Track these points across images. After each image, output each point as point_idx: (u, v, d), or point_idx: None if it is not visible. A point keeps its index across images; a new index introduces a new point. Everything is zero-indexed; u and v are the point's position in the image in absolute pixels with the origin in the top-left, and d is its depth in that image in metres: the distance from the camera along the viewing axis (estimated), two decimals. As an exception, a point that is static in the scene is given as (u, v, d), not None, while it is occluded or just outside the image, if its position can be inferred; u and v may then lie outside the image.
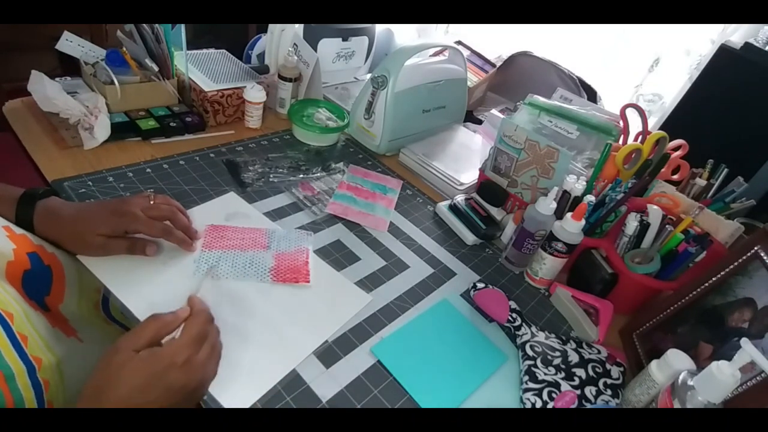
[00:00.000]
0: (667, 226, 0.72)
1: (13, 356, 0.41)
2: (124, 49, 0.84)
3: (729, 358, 0.48)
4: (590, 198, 0.73)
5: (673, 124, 1.05)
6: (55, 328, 0.50)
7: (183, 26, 0.85)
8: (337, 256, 0.71)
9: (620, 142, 0.87)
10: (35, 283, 0.50)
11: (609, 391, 0.60)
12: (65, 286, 0.55)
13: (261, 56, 1.16)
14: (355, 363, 0.57)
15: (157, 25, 0.82)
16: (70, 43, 0.82)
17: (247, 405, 0.49)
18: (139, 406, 0.40)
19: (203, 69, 0.94)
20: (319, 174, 0.87)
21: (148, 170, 0.76)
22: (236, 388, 0.50)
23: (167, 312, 0.46)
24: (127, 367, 0.40)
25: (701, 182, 0.85)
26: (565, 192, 0.75)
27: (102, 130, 0.77)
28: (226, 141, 0.89)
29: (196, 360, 0.44)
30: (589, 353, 0.65)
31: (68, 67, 0.89)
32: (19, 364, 0.42)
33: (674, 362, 0.55)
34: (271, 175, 0.83)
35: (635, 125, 0.88)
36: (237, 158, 0.85)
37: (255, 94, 0.90)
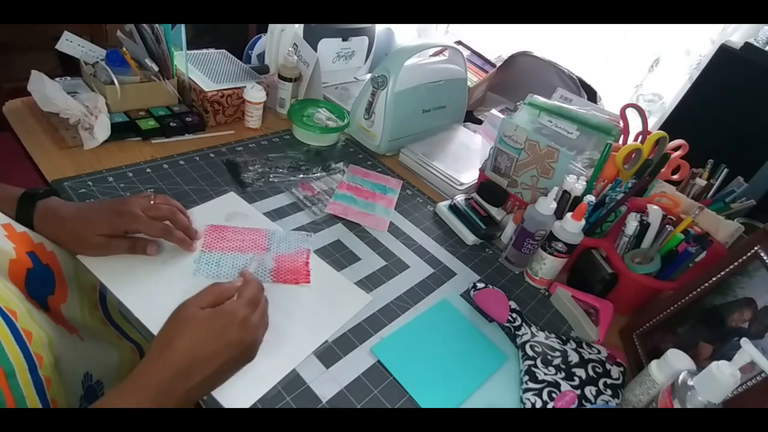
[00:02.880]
0: (667, 226, 0.72)
1: (15, 352, 0.41)
2: (124, 49, 0.84)
3: (729, 358, 0.48)
4: (590, 198, 0.73)
5: (673, 124, 1.05)
6: (58, 325, 0.50)
7: (183, 26, 0.85)
8: (337, 256, 0.71)
9: (620, 142, 0.87)
10: (38, 283, 0.50)
11: (609, 391, 0.60)
12: (67, 286, 0.55)
13: (261, 56, 1.16)
14: (355, 363, 0.57)
15: (157, 25, 0.82)
16: (70, 43, 0.82)
17: (247, 405, 0.49)
18: (203, 357, 0.44)
19: (203, 69, 0.94)
20: (319, 174, 0.87)
21: (148, 170, 0.76)
22: (236, 388, 0.50)
23: (226, 281, 0.51)
24: (192, 320, 0.45)
25: (701, 182, 0.85)
26: (565, 192, 0.75)
27: (102, 130, 0.77)
28: (226, 141, 0.89)
29: (251, 320, 0.48)
30: (589, 353, 0.65)
31: (68, 67, 0.89)
32: (20, 360, 0.42)
33: (674, 362, 0.55)
34: (271, 175, 0.83)
35: (635, 125, 0.88)
36: (237, 158, 0.85)
37: (255, 94, 0.90)
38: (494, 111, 1.11)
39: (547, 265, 0.73)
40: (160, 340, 0.45)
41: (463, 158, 0.99)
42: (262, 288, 0.52)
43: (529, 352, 0.63)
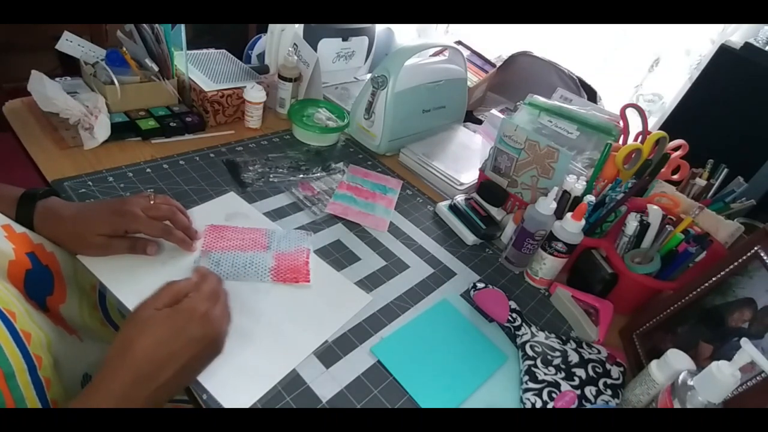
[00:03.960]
0: (667, 226, 0.72)
1: (15, 353, 0.41)
2: (124, 49, 0.84)
3: (729, 358, 0.48)
4: (590, 198, 0.73)
5: (673, 124, 1.05)
6: (58, 326, 0.50)
7: (183, 26, 0.85)
8: (337, 256, 0.71)
9: (620, 142, 0.87)
10: (37, 283, 0.50)
11: (609, 391, 0.60)
12: (66, 286, 0.55)
13: (261, 56, 1.16)
14: (355, 363, 0.57)
15: (157, 25, 0.82)
16: (70, 43, 0.82)
17: (247, 405, 0.49)
18: (164, 357, 0.43)
19: (203, 69, 0.94)
20: (319, 174, 0.87)
21: (148, 170, 0.76)
22: (236, 388, 0.50)
23: (181, 279, 0.49)
24: (150, 322, 0.44)
25: (701, 182, 0.85)
26: (565, 192, 0.75)
27: (102, 130, 0.77)
28: (226, 141, 0.89)
29: (212, 313, 0.47)
30: (589, 353, 0.65)
31: (68, 67, 0.89)
32: (20, 361, 0.42)
33: (674, 362, 0.55)
34: (271, 175, 0.83)
35: (635, 125, 0.88)
36: (237, 158, 0.85)
37: (255, 94, 0.90)
38: (494, 111, 1.11)
39: (547, 265, 0.73)
40: (118, 344, 0.43)
41: (463, 158, 0.99)
42: (221, 281, 0.51)
43: (529, 352, 0.63)
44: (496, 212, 0.85)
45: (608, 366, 0.64)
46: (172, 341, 0.43)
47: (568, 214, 0.69)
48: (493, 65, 1.26)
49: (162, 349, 0.42)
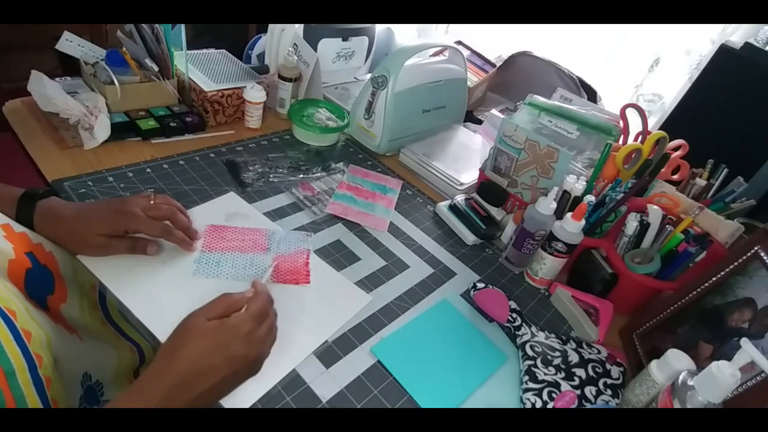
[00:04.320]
0: (667, 226, 0.72)
1: (15, 352, 0.41)
2: (124, 49, 0.84)
3: (729, 358, 0.48)
4: (590, 198, 0.73)
5: (673, 124, 1.05)
6: (58, 325, 0.50)
7: (183, 26, 0.85)
8: (337, 256, 0.71)
9: (620, 142, 0.87)
10: (38, 282, 0.50)
11: (609, 391, 0.60)
12: (66, 286, 0.55)
13: (261, 56, 1.16)
14: (355, 363, 0.57)
15: (157, 25, 0.82)
16: (70, 43, 0.82)
17: (247, 405, 0.49)
18: (205, 368, 0.44)
19: (203, 69, 0.94)
20: (319, 174, 0.87)
21: (148, 170, 0.76)
22: (236, 388, 0.50)
23: (236, 292, 0.50)
24: (198, 331, 0.45)
25: (701, 182, 0.85)
26: (565, 192, 0.75)
27: (102, 130, 0.77)
28: (226, 141, 0.89)
29: (256, 334, 0.47)
30: (589, 353, 0.65)
31: (68, 67, 0.89)
32: (20, 360, 0.42)
33: (674, 362, 0.55)
34: (271, 175, 0.83)
35: (635, 125, 0.88)
36: (237, 158, 0.85)
37: (255, 94, 0.90)
38: (494, 111, 1.11)
39: (547, 265, 0.73)
40: (166, 348, 0.45)
41: (463, 158, 0.99)
42: (272, 301, 0.52)
43: (529, 352, 0.63)
44: (496, 212, 0.85)
45: (608, 366, 0.64)
46: (215, 355, 0.44)
47: (568, 214, 0.69)
48: (493, 65, 1.27)
49: (205, 359, 0.44)
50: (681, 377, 0.51)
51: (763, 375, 0.49)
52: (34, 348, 0.44)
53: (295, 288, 0.63)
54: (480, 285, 0.70)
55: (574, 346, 0.65)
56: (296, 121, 0.93)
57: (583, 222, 0.69)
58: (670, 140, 0.83)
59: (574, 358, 0.63)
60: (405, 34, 1.34)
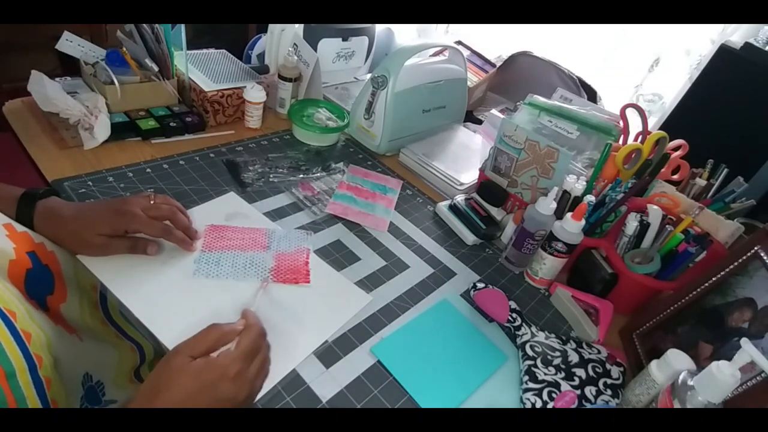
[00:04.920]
0: (667, 226, 0.72)
1: (15, 353, 0.41)
2: (124, 49, 0.84)
3: (729, 358, 0.48)
4: (590, 198, 0.73)
5: (673, 124, 1.05)
6: (58, 326, 0.50)
7: (183, 26, 0.85)
8: (337, 256, 0.71)
9: (620, 142, 0.87)
10: (38, 283, 0.50)
11: (609, 391, 0.60)
12: (66, 286, 0.55)
13: (261, 56, 1.16)
14: (355, 363, 0.57)
15: (157, 25, 0.82)
16: (70, 43, 0.82)
17: (247, 405, 0.49)
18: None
19: (203, 69, 0.94)
20: (319, 174, 0.87)
21: (148, 170, 0.76)
22: None
23: (226, 323, 0.47)
24: (183, 373, 0.42)
25: (701, 182, 0.85)
26: (565, 192, 0.75)
27: (102, 130, 0.77)
28: (226, 141, 0.89)
29: (246, 374, 0.45)
30: (589, 353, 0.65)
31: (68, 67, 0.89)
32: (21, 361, 0.42)
33: (674, 362, 0.55)
34: (271, 175, 0.83)
35: (635, 125, 0.88)
36: (237, 158, 0.85)
37: (255, 94, 0.90)
38: (494, 111, 1.11)
39: (547, 265, 0.73)
40: (146, 390, 0.42)
41: (463, 158, 0.99)
42: (264, 334, 0.50)
43: (529, 352, 0.63)
44: (496, 212, 0.85)
45: (608, 366, 0.64)
46: (201, 397, 0.42)
47: (568, 214, 0.69)
48: (493, 65, 1.26)
49: (189, 402, 0.41)
50: (681, 377, 0.51)
51: (763, 375, 0.49)
52: (34, 349, 0.44)
53: (295, 288, 0.63)
54: (480, 285, 0.70)
55: (574, 346, 0.65)
56: (296, 121, 0.93)
57: (583, 222, 0.69)
58: (670, 140, 0.83)
59: (574, 358, 0.63)
60: (405, 34, 1.34)
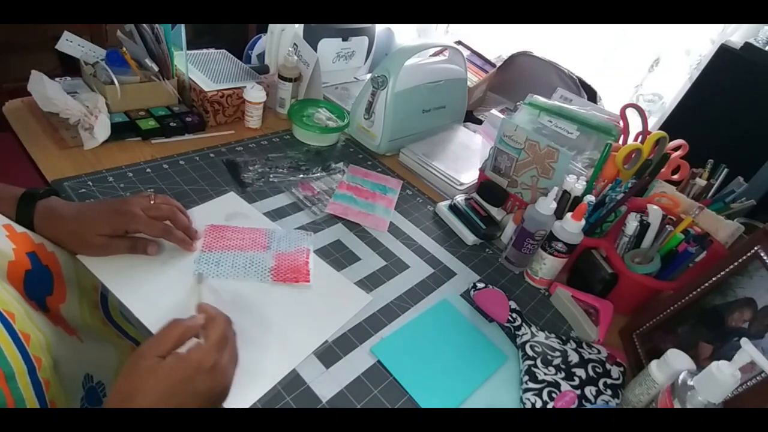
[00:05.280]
0: (667, 226, 0.72)
1: (14, 354, 0.41)
2: (124, 49, 0.84)
3: (729, 358, 0.48)
4: (590, 198, 0.73)
5: (673, 124, 1.05)
6: (57, 327, 0.50)
7: (183, 26, 0.85)
8: (337, 256, 0.71)
9: (620, 142, 0.87)
10: (37, 284, 0.50)
11: (609, 391, 0.60)
12: (66, 286, 0.55)
13: (261, 56, 1.16)
14: (355, 363, 0.57)
15: (157, 25, 0.82)
16: (70, 43, 0.82)
17: (247, 405, 0.49)
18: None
19: (203, 69, 0.94)
20: (319, 174, 0.87)
21: (148, 170, 0.76)
22: (236, 388, 0.50)
23: (187, 317, 0.46)
24: (154, 374, 0.41)
25: (701, 182, 0.85)
26: (565, 192, 0.75)
27: (102, 130, 0.77)
28: (226, 141, 0.89)
29: (220, 364, 0.44)
30: (589, 353, 0.65)
31: (68, 67, 0.89)
32: (20, 363, 0.42)
33: (674, 362, 0.55)
34: (271, 175, 0.83)
35: (635, 125, 0.88)
36: (237, 158, 0.85)
37: (255, 94, 0.90)
38: (494, 111, 1.11)
39: (547, 265, 0.73)
40: (118, 391, 0.40)
41: (463, 158, 0.99)
42: (229, 322, 0.49)
43: (529, 352, 0.63)
44: (496, 212, 0.85)
45: (608, 366, 0.64)
46: (176, 395, 0.41)
47: (568, 214, 0.69)
48: (493, 65, 1.27)
49: (164, 403, 0.40)
50: (681, 377, 0.51)
51: (763, 375, 0.49)
52: (33, 351, 0.44)
53: (295, 288, 0.63)
54: (480, 285, 0.70)
55: (574, 346, 0.65)
56: (296, 121, 0.93)
57: (583, 222, 0.69)
58: (670, 140, 0.83)
59: (574, 358, 0.63)
60: (405, 34, 1.34)
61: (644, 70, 1.29)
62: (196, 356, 0.43)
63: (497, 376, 0.60)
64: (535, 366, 0.61)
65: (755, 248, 0.58)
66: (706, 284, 0.63)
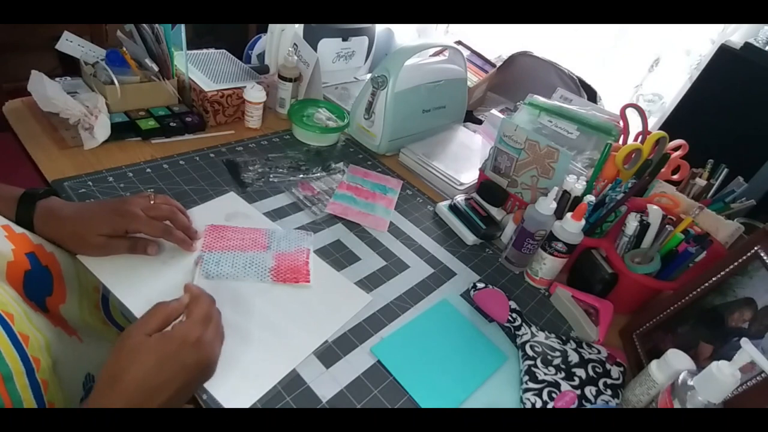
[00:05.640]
0: (667, 226, 0.72)
1: (13, 356, 0.41)
2: (124, 49, 0.84)
3: (729, 358, 0.48)
4: (590, 198, 0.73)
5: (673, 124, 1.05)
6: (57, 327, 0.50)
7: (183, 26, 0.85)
8: (337, 256, 0.71)
9: (620, 142, 0.87)
10: (36, 284, 0.50)
11: (609, 391, 0.60)
12: (66, 286, 0.55)
13: (261, 56, 1.16)
14: (355, 363, 0.57)
15: (157, 25, 0.82)
16: (70, 43, 0.82)
17: (247, 405, 0.49)
18: (156, 386, 0.41)
19: (203, 69, 0.94)
20: (319, 174, 0.87)
21: (148, 170, 0.76)
22: (236, 388, 0.50)
23: (171, 299, 0.48)
24: (141, 349, 0.42)
25: (701, 182, 0.85)
26: (565, 192, 0.75)
27: (102, 130, 0.77)
28: (226, 141, 0.89)
29: (205, 338, 0.46)
30: (589, 353, 0.65)
31: (68, 67, 0.89)
32: (18, 364, 0.42)
33: (674, 362, 0.55)
34: (271, 175, 0.83)
35: (635, 125, 0.88)
36: (237, 158, 0.85)
37: (255, 94, 0.90)
38: (494, 111, 1.11)
39: (547, 265, 0.73)
40: (108, 373, 0.42)
41: (463, 158, 0.99)
42: (213, 301, 0.50)
43: (529, 352, 0.63)
44: (496, 212, 0.85)
45: (608, 366, 0.64)
46: (164, 369, 0.42)
47: (568, 214, 0.69)
48: (493, 65, 1.27)
49: (153, 378, 0.41)
50: (681, 377, 0.51)
51: (763, 375, 0.49)
52: (32, 351, 0.44)
53: (295, 288, 0.63)
54: (480, 285, 0.70)
55: (574, 346, 0.65)
56: (296, 121, 0.93)
57: (583, 222, 0.69)
58: (670, 140, 0.83)
59: (574, 358, 0.63)
60: (405, 34, 1.34)
61: (644, 70, 1.29)
62: (181, 331, 0.45)
63: (497, 376, 0.60)
64: (535, 366, 0.61)
65: (755, 248, 0.58)
66: (706, 284, 0.63)
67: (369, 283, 0.68)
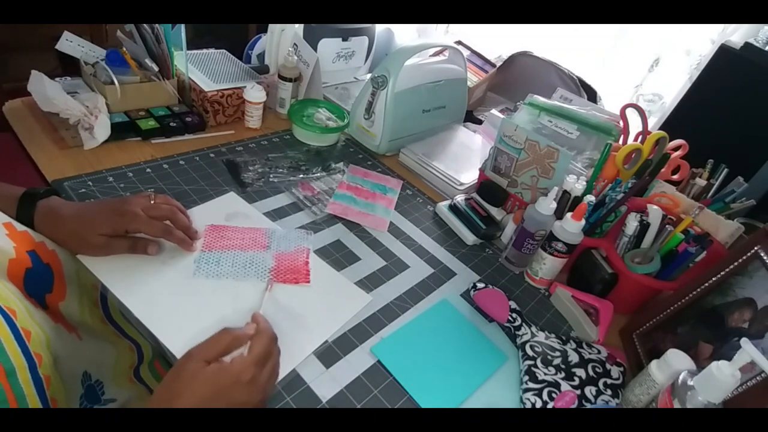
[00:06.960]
0: (667, 226, 0.72)
1: (15, 351, 0.41)
2: (124, 49, 0.84)
3: (729, 358, 0.48)
4: (590, 198, 0.73)
5: (673, 124, 1.05)
6: (57, 324, 0.50)
7: (183, 26, 0.85)
8: (337, 256, 0.71)
9: (620, 142, 0.87)
10: (37, 281, 0.50)
11: (609, 391, 0.60)
12: (66, 284, 0.55)
13: (261, 56, 1.16)
14: (355, 363, 0.57)
15: (157, 25, 0.82)
16: (70, 43, 0.82)
17: (247, 405, 0.49)
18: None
19: (203, 69, 0.94)
20: (319, 174, 0.87)
21: (148, 170, 0.76)
22: None
23: (237, 327, 0.48)
24: (198, 378, 0.43)
25: (701, 182, 0.85)
26: (565, 192, 0.75)
27: (102, 130, 0.77)
28: (226, 141, 0.89)
29: (259, 379, 0.46)
30: (589, 353, 0.65)
31: (68, 67, 0.89)
32: (20, 359, 0.42)
33: (674, 362, 0.55)
34: (271, 175, 0.83)
35: (635, 125, 0.88)
36: (237, 158, 0.85)
37: (255, 94, 0.90)
38: (494, 111, 1.11)
39: (547, 265, 0.73)
40: (161, 394, 0.43)
41: (463, 158, 0.99)
42: (275, 339, 0.51)
43: (529, 352, 0.63)
44: (496, 212, 0.85)
45: (608, 366, 0.64)
46: (215, 402, 0.43)
47: (568, 214, 0.69)
48: (493, 65, 1.27)
49: (204, 407, 0.42)
50: (681, 377, 0.51)
51: (763, 375, 0.49)
52: (34, 347, 0.44)
53: (295, 288, 0.63)
54: (480, 285, 0.70)
55: (574, 346, 0.65)
56: (296, 121, 0.93)
57: (583, 222, 0.69)
58: (670, 140, 0.83)
59: (574, 358, 0.63)
60: (405, 34, 1.34)
61: (644, 70, 1.28)
62: (237, 368, 0.45)
63: (497, 376, 0.60)
64: (535, 366, 0.61)
65: (755, 248, 0.58)
66: (706, 284, 0.63)
67: (369, 283, 0.68)
